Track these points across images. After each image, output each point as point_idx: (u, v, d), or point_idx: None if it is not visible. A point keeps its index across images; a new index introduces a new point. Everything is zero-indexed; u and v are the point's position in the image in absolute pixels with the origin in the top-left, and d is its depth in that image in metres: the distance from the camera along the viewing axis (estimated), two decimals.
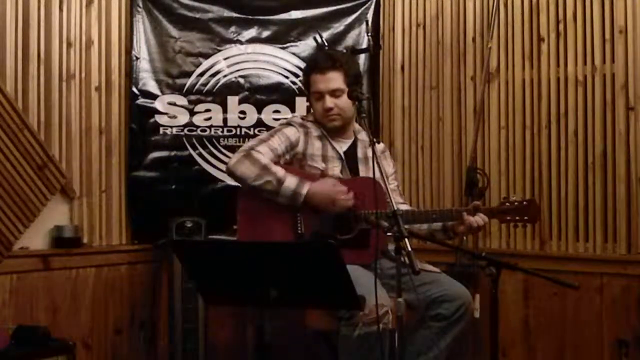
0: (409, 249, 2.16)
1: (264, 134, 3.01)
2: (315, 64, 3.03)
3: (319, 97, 2.95)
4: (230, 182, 3.55)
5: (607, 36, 3.34)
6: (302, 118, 3.09)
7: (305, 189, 2.79)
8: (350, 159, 3.00)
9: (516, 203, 2.81)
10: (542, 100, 3.54)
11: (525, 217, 2.79)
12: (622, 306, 3.27)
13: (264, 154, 2.84)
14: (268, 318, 2.21)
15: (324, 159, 2.95)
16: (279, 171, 2.81)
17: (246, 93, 3.79)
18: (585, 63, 3.42)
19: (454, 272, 3.33)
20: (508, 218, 2.82)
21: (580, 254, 3.40)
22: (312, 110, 3.09)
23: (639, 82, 3.26)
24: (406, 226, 2.34)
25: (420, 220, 2.87)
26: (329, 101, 2.92)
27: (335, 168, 2.95)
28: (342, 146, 3.01)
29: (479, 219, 2.78)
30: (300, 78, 3.82)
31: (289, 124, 3.02)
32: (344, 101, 2.90)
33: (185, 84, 3.74)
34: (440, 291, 2.77)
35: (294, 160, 2.96)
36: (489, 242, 3.63)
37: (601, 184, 3.35)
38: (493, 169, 3.64)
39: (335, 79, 2.93)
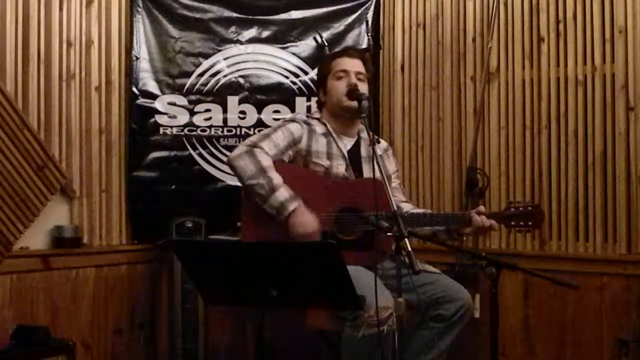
0: (409, 249, 2.16)
1: (267, 129, 3.01)
2: (344, 49, 3.23)
3: (344, 75, 2.96)
4: (231, 182, 3.58)
5: (607, 36, 3.34)
6: (307, 115, 3.09)
7: (292, 206, 2.77)
8: (354, 157, 2.99)
9: (521, 208, 2.80)
10: (542, 100, 3.54)
11: (530, 223, 2.79)
12: (622, 306, 3.26)
13: (267, 151, 2.84)
14: (268, 318, 2.21)
15: (329, 156, 2.95)
16: (275, 178, 2.79)
17: (246, 93, 3.79)
18: (585, 63, 3.42)
19: (454, 272, 3.34)
20: (512, 223, 2.82)
21: (580, 254, 3.40)
22: (319, 106, 3.09)
23: (639, 82, 3.25)
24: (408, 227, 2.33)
25: (424, 224, 2.87)
26: (354, 79, 2.94)
27: (340, 166, 2.95)
28: (347, 144, 3.01)
29: (486, 220, 2.78)
30: (301, 78, 3.83)
31: (293, 120, 3.02)
32: (365, 89, 2.94)
33: (185, 84, 3.74)
34: (441, 292, 2.77)
35: (297, 156, 2.95)
36: (489, 242, 3.63)
37: (601, 184, 3.35)
38: (493, 169, 3.64)
39: (361, 66, 3.01)
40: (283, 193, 2.78)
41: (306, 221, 2.77)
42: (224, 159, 3.69)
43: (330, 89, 3.00)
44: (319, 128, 2.99)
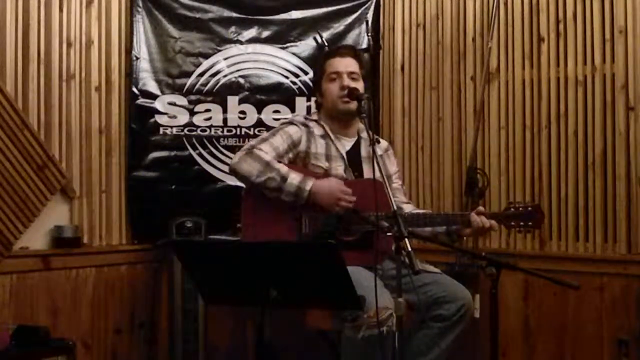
0: (409, 249, 2.16)
1: (265, 133, 3.01)
2: (336, 49, 3.15)
3: (337, 77, 2.95)
4: (231, 182, 3.57)
5: (607, 36, 3.34)
6: (305, 117, 3.09)
7: (309, 184, 2.78)
8: (353, 158, 2.99)
9: (521, 208, 2.80)
10: (542, 100, 3.53)
11: (530, 223, 2.79)
12: (622, 306, 3.26)
13: (266, 152, 2.84)
14: (268, 318, 2.21)
15: (328, 157, 2.95)
16: (282, 167, 2.80)
17: (246, 93, 3.79)
18: (585, 63, 3.42)
19: (454, 272, 3.33)
20: (512, 223, 2.81)
21: (580, 254, 3.40)
22: (317, 108, 3.09)
23: (639, 82, 3.25)
24: (408, 227, 2.33)
25: (424, 224, 2.87)
26: (347, 80, 2.93)
27: (339, 167, 2.95)
28: (346, 145, 3.01)
29: (486, 220, 2.78)
30: (301, 78, 3.83)
31: (291, 122, 3.02)
32: (360, 86, 2.93)
33: (185, 84, 3.74)
34: (441, 292, 2.77)
35: (297, 159, 2.95)
36: (489, 242, 3.63)
37: (601, 184, 3.35)
38: (493, 169, 3.64)
39: (353, 65, 2.99)
40: (295, 177, 2.78)
41: (327, 187, 2.78)
42: (224, 159, 3.70)
43: (325, 91, 3.00)
44: (317, 130, 2.99)
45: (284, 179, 2.78)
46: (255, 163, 2.80)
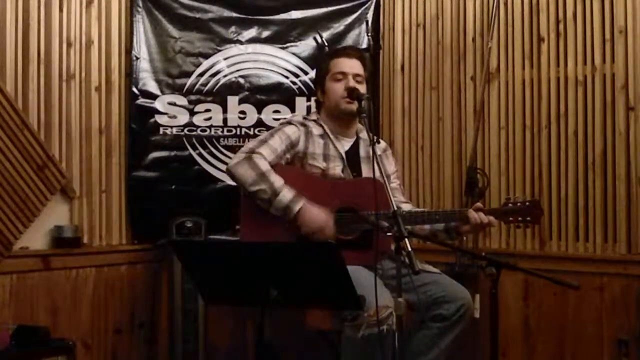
0: (409, 249, 2.16)
1: (264, 134, 3.01)
2: (342, 49, 3.19)
3: (342, 77, 2.95)
4: (230, 182, 3.55)
5: (607, 36, 3.34)
6: (304, 117, 3.09)
7: (298, 205, 2.77)
8: (352, 158, 2.99)
9: (519, 204, 2.80)
10: (542, 100, 3.54)
11: (528, 218, 2.79)
12: (622, 306, 3.26)
13: (265, 157, 2.84)
14: (268, 318, 2.21)
15: (325, 158, 2.95)
16: (277, 181, 2.80)
17: (246, 93, 3.79)
18: (585, 63, 3.42)
19: (454, 272, 3.34)
20: (511, 219, 2.81)
21: (580, 254, 3.40)
22: (317, 106, 3.09)
23: (639, 82, 3.25)
24: (407, 227, 2.33)
25: (422, 222, 2.87)
26: (352, 82, 2.93)
27: (337, 167, 2.95)
28: (345, 145, 3.01)
29: (484, 217, 2.77)
30: (301, 78, 3.83)
31: (289, 122, 3.02)
32: (363, 89, 2.93)
33: (185, 84, 3.74)
34: (441, 292, 2.77)
35: (294, 159, 2.95)
36: (489, 242, 3.63)
37: (601, 184, 3.35)
38: (493, 169, 3.64)
39: (359, 67, 2.99)
40: (286, 195, 2.78)
41: (314, 215, 2.77)
42: (224, 159, 3.70)
43: (328, 90, 2.99)
44: (315, 130, 2.99)
45: (275, 194, 2.78)
46: (251, 170, 2.81)
